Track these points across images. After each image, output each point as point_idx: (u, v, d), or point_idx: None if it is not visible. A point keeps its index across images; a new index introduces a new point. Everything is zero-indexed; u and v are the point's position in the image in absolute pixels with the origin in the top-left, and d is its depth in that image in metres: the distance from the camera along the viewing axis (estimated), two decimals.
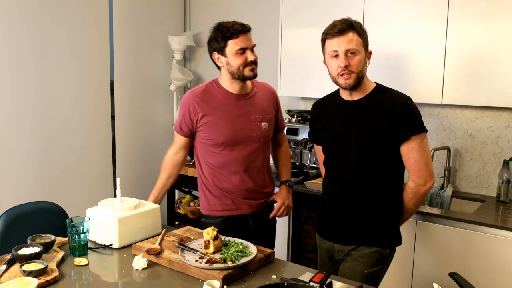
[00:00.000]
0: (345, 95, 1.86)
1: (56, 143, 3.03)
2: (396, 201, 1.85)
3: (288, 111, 3.28)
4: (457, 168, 2.85)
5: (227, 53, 1.96)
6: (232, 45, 1.94)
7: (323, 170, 2.07)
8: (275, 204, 2.19)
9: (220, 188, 2.06)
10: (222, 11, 3.83)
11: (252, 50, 1.98)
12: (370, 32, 2.71)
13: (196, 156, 2.12)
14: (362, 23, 1.81)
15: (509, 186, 2.57)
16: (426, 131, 1.77)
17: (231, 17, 3.78)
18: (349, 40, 1.71)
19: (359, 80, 1.75)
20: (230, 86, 2.03)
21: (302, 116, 3.20)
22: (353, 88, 1.77)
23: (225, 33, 1.94)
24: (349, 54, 1.72)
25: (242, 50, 1.94)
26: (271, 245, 2.20)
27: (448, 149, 2.80)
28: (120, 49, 3.46)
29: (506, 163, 2.58)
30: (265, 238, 2.12)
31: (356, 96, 1.82)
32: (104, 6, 3.24)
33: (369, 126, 1.77)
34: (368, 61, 1.80)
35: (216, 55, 2.00)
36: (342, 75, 1.73)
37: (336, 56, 1.73)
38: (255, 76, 2.00)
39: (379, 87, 1.83)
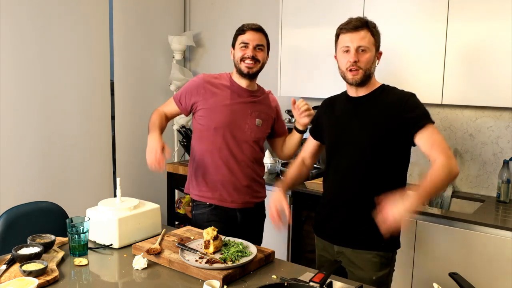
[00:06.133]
0: (351, 92, 1.87)
1: (56, 143, 3.03)
2: None
3: (288, 111, 3.28)
4: None
5: (235, 46, 2.14)
6: (239, 39, 2.12)
7: (298, 159, 2.08)
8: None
9: (209, 176, 2.11)
10: (222, 11, 3.83)
11: (256, 48, 2.09)
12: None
13: (192, 141, 2.19)
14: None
15: (509, 186, 2.57)
16: (434, 122, 1.78)
17: (231, 17, 3.80)
18: (362, 37, 1.75)
19: (366, 77, 1.79)
20: (238, 80, 2.16)
21: None
22: (360, 84, 1.80)
23: (239, 30, 2.14)
24: (360, 51, 1.76)
25: (245, 44, 2.08)
26: (258, 241, 2.25)
27: None
28: (120, 49, 3.46)
29: (506, 163, 2.58)
30: (253, 234, 2.16)
31: (362, 93, 1.84)
32: (104, 6, 3.24)
33: (375, 120, 1.78)
34: (377, 61, 1.84)
35: (232, 49, 2.18)
36: (350, 70, 1.77)
37: (347, 51, 1.77)
38: (248, 73, 2.10)
39: (385, 86, 1.87)
